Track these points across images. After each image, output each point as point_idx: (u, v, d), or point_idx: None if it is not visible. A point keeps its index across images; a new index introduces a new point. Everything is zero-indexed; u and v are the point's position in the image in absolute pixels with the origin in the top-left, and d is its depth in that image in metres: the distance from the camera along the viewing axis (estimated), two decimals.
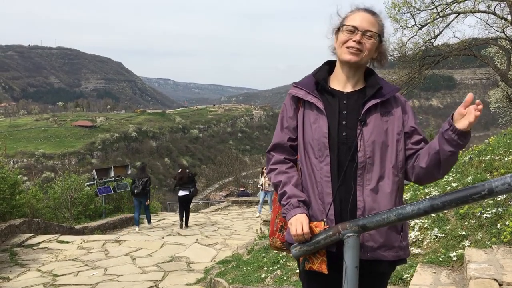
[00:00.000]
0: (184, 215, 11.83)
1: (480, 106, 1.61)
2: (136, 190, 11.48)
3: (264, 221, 8.82)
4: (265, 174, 12.78)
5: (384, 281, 2.03)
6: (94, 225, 11.47)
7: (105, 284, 6.29)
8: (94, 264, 7.47)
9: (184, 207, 11.91)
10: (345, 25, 1.93)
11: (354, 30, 1.91)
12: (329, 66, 2.07)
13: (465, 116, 1.64)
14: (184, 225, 11.76)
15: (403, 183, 1.95)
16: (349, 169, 1.87)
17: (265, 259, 5.99)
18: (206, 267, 7.10)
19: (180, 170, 12.49)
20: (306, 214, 1.84)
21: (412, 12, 16.75)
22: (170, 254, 8.09)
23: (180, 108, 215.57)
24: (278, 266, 5.43)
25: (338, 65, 2.02)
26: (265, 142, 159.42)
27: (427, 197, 5.27)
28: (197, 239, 9.45)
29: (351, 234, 1.65)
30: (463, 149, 7.32)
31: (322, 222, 1.85)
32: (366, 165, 1.86)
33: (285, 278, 5.03)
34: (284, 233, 2.04)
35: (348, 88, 1.99)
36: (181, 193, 11.90)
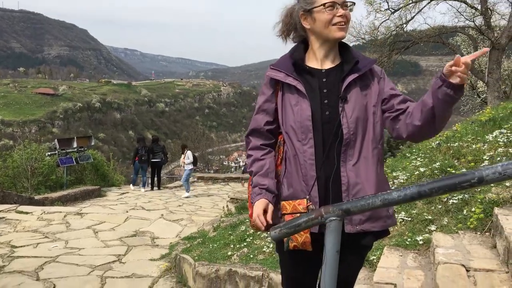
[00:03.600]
0: (156, 179, 14.46)
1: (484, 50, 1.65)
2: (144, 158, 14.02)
3: (231, 198, 8.78)
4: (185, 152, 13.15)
5: (363, 257, 2.03)
6: (55, 196, 11.17)
7: (65, 257, 6.13)
8: (54, 237, 7.28)
9: (156, 172, 14.50)
10: (325, 3, 1.85)
11: (334, 5, 1.84)
12: (304, 44, 2.01)
13: (457, 73, 1.61)
14: (157, 188, 14.35)
15: (382, 154, 1.96)
16: (333, 147, 1.84)
17: (231, 236, 5.96)
18: (171, 242, 7.03)
19: (152, 140, 14.97)
20: (267, 199, 1.88)
21: None
22: (134, 228, 7.97)
23: (147, 81, 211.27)
24: (245, 244, 5.41)
25: (314, 43, 1.95)
26: (232, 119, 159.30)
27: (394, 181, 5.34)
28: (161, 214, 9.34)
29: (334, 218, 1.60)
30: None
31: (305, 199, 1.84)
32: (350, 141, 1.84)
33: (251, 256, 5.01)
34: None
35: (326, 65, 1.93)
36: (153, 160, 14.23)
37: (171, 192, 13.82)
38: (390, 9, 16.86)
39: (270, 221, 1.88)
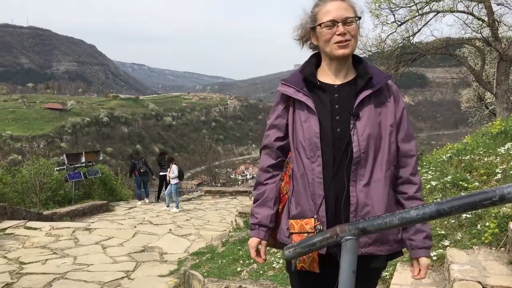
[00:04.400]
0: (163, 192, 14.45)
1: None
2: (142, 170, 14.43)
3: (239, 213, 8.72)
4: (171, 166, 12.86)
5: (377, 276, 2.00)
6: (63, 212, 11.15)
7: (74, 273, 6.10)
8: (63, 253, 7.25)
9: (165, 185, 14.43)
10: (323, 22, 1.82)
11: (333, 23, 1.81)
12: (316, 59, 1.98)
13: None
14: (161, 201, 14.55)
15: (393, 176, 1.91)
16: (343, 165, 1.80)
17: (240, 252, 5.91)
18: (179, 258, 6.98)
19: (160, 153, 15.54)
20: (258, 238, 1.97)
21: (392, 8, 16.84)
22: (142, 244, 7.92)
23: (154, 95, 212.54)
24: (254, 259, 5.36)
25: (325, 58, 1.92)
26: (238, 132, 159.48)
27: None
28: (170, 229, 9.29)
29: (350, 237, 1.56)
30: (444, 147, 7.27)
31: (313, 219, 1.81)
32: (360, 160, 1.79)
33: (261, 272, 4.95)
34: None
35: (339, 80, 1.89)
36: (161, 173, 14.67)
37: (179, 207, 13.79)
38: (396, 21, 16.87)
39: (265, 257, 2.01)
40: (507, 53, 15.41)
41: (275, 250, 5.20)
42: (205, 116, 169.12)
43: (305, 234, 1.81)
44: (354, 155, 1.78)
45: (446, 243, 3.93)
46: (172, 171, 12.71)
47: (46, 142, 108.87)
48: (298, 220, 1.85)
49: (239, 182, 51.33)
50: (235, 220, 8.56)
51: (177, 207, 12.60)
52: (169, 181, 12.84)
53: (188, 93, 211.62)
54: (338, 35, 1.80)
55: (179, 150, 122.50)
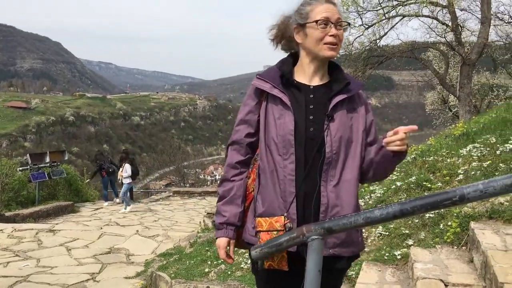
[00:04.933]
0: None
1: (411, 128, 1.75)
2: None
3: (208, 213, 8.68)
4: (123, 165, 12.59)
5: (341, 277, 2.02)
6: (26, 213, 10.84)
7: (37, 276, 5.94)
8: (25, 255, 7.05)
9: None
10: (318, 20, 1.83)
11: (327, 23, 1.83)
12: (293, 58, 1.99)
13: (393, 143, 1.75)
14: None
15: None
16: (315, 164, 1.81)
17: (208, 252, 5.88)
18: (146, 259, 6.89)
19: (123, 153, 14.22)
20: (227, 237, 1.95)
21: (359, 11, 17.12)
22: (108, 245, 7.78)
23: (122, 94, 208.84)
24: (222, 260, 5.34)
25: (304, 58, 1.93)
26: (208, 132, 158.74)
27: (371, 195, 5.37)
28: (137, 230, 9.16)
29: (316, 237, 1.58)
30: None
31: (283, 217, 1.81)
32: (332, 160, 1.82)
33: (229, 272, 4.95)
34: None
35: (315, 82, 1.92)
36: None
37: (146, 207, 13.61)
38: (364, 25, 17.16)
39: (233, 257, 2.00)
40: (470, 57, 15.89)
41: (243, 251, 5.20)
42: (174, 116, 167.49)
43: (274, 232, 1.81)
44: (326, 155, 1.81)
45: (410, 242, 4.02)
46: (125, 170, 12.39)
47: (8, 142, 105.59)
48: (267, 218, 1.85)
49: (208, 182, 51.07)
50: (204, 220, 8.52)
51: (126, 207, 12.28)
52: (122, 180, 12.54)
53: (157, 92, 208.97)
54: (331, 36, 1.83)
55: (148, 150, 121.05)
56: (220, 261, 5.34)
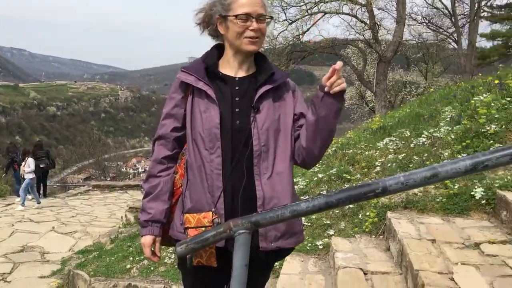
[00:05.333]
0: (41, 187, 13.54)
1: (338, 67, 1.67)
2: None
3: (130, 207, 8.42)
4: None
5: (270, 269, 2.02)
6: None
7: None
8: None
9: (42, 178, 13.56)
10: (238, 14, 1.78)
11: (248, 18, 1.78)
12: (218, 50, 1.94)
13: (335, 83, 1.68)
14: (42, 196, 13.35)
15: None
16: (243, 158, 1.78)
17: (130, 248, 5.71)
18: (63, 257, 6.55)
19: (35, 145, 13.95)
20: (153, 234, 1.87)
21: (283, 6, 17.42)
22: (21, 243, 7.31)
23: (36, 83, 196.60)
24: (148, 258, 5.20)
25: (228, 50, 1.88)
26: (130, 124, 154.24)
27: (294, 186, 5.48)
28: (53, 227, 8.69)
29: (243, 231, 1.55)
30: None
31: (210, 212, 1.77)
32: (261, 153, 1.79)
33: (152, 268, 4.83)
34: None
35: (240, 74, 1.88)
36: (41, 165, 13.21)
37: (63, 202, 12.96)
38: (287, 20, 17.48)
39: (159, 255, 1.93)
40: (386, 55, 16.72)
41: None
42: (93, 106, 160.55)
43: (202, 229, 1.76)
44: (254, 148, 1.78)
45: (331, 232, 4.15)
46: (28, 165, 11.56)
47: None
48: (195, 214, 1.80)
49: (130, 175, 49.73)
50: (126, 215, 8.25)
51: (23, 204, 11.39)
52: (23, 175, 11.65)
53: (75, 81, 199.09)
54: (251, 30, 1.78)
55: (65, 142, 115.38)
56: (142, 257, 5.20)
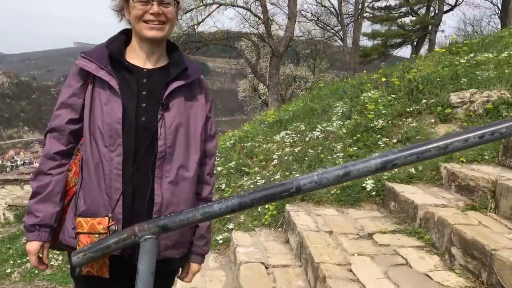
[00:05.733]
0: None
1: None
2: None
3: (9, 205, 7.67)
4: None
5: (173, 278, 1.91)
6: None
7: None
8: None
9: None
10: None
11: (148, 0, 1.62)
12: (126, 36, 1.75)
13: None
14: None
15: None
16: (147, 158, 1.62)
17: (10, 250, 5.20)
18: None
19: None
20: (40, 241, 1.67)
21: None
22: None
23: None
24: (28, 258, 4.76)
25: (136, 37, 1.71)
26: (7, 113, 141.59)
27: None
28: None
29: (149, 236, 1.43)
30: (226, 134, 7.63)
31: (107, 218, 1.59)
32: (166, 154, 1.63)
33: (36, 272, 4.44)
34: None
35: (149, 65, 1.70)
36: None
37: None
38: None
39: (47, 263, 1.74)
40: (278, 49, 17.20)
41: None
42: None
43: (96, 236, 1.59)
44: (159, 149, 1.62)
45: (231, 226, 4.13)
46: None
47: None
48: (89, 219, 1.62)
49: (8, 169, 45.66)
50: (4, 214, 7.51)
51: None
52: None
53: None
54: (151, 14, 1.62)
55: None
56: (25, 259, 4.76)
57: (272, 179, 4.59)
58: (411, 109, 4.86)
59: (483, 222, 2.76)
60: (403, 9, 25.02)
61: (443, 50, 6.71)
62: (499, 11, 24.22)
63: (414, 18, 24.42)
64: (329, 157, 4.54)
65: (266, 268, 3.01)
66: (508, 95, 4.40)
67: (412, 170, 3.88)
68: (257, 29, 18.65)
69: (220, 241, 3.94)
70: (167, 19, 1.66)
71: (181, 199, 1.67)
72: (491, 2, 25.30)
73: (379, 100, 5.23)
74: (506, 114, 4.21)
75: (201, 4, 17.48)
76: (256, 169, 5.01)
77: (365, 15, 23.78)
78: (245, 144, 5.70)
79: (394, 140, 4.51)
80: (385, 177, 3.85)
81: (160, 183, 1.64)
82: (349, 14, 24.31)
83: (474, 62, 5.49)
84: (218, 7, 17.81)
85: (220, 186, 4.83)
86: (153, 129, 1.63)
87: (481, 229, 2.63)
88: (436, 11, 23.54)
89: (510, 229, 2.64)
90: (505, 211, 2.86)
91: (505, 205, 2.86)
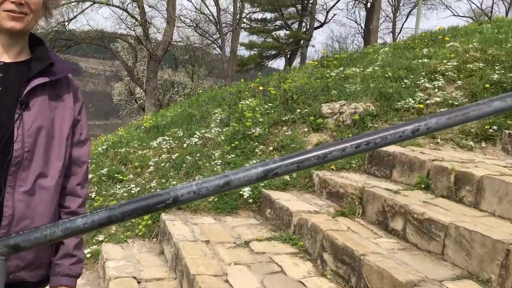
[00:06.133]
0: None
1: None
2: None
3: None
4: None
5: None
6: None
7: None
8: None
9: None
10: None
11: None
12: None
13: None
14: None
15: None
16: (0, 164, 1.40)
17: None
18: None
19: None
20: None
21: None
22: None
23: None
24: None
25: None
26: None
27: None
28: None
29: None
30: (98, 138, 7.18)
31: None
32: (23, 160, 1.42)
33: None
34: None
35: (8, 58, 1.48)
36: None
37: None
38: None
39: None
40: (156, 53, 16.83)
41: None
42: None
43: None
44: (15, 153, 1.41)
45: (101, 237, 3.84)
46: None
47: None
48: None
49: None
50: None
51: None
52: None
53: None
54: (12, 2, 1.40)
55: None
56: None
57: (148, 186, 4.38)
58: (286, 118, 5.00)
59: (352, 227, 2.90)
60: (278, 23, 26.23)
61: (316, 63, 7.06)
62: (363, 30, 26.61)
63: (288, 32, 25.74)
64: (207, 164, 4.47)
65: (139, 282, 2.83)
66: (373, 108, 4.75)
67: (287, 177, 3.97)
68: (134, 31, 18.07)
69: (88, 255, 3.63)
70: (30, 10, 1.45)
71: (37, 212, 1.46)
72: (356, 22, 27.64)
73: (257, 108, 5.31)
74: (371, 125, 4.54)
75: (73, 0, 16.46)
76: (131, 176, 4.76)
77: (242, 25, 24.41)
78: (119, 150, 5.39)
79: (271, 148, 4.60)
80: (262, 184, 3.88)
81: (13, 193, 1.42)
82: (227, 23, 24.76)
83: (343, 75, 5.85)
84: (92, 4, 16.92)
85: (90, 195, 4.49)
86: (9, 130, 1.40)
87: (350, 234, 2.76)
88: (308, 27, 25.06)
89: (375, 234, 2.80)
90: (371, 216, 3.04)
91: (371, 211, 3.04)
